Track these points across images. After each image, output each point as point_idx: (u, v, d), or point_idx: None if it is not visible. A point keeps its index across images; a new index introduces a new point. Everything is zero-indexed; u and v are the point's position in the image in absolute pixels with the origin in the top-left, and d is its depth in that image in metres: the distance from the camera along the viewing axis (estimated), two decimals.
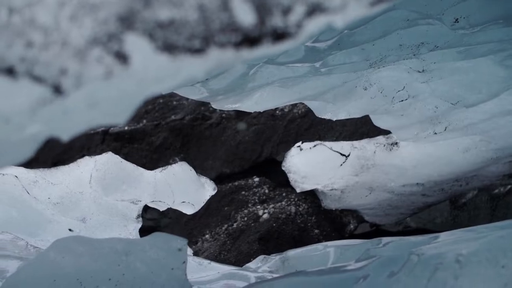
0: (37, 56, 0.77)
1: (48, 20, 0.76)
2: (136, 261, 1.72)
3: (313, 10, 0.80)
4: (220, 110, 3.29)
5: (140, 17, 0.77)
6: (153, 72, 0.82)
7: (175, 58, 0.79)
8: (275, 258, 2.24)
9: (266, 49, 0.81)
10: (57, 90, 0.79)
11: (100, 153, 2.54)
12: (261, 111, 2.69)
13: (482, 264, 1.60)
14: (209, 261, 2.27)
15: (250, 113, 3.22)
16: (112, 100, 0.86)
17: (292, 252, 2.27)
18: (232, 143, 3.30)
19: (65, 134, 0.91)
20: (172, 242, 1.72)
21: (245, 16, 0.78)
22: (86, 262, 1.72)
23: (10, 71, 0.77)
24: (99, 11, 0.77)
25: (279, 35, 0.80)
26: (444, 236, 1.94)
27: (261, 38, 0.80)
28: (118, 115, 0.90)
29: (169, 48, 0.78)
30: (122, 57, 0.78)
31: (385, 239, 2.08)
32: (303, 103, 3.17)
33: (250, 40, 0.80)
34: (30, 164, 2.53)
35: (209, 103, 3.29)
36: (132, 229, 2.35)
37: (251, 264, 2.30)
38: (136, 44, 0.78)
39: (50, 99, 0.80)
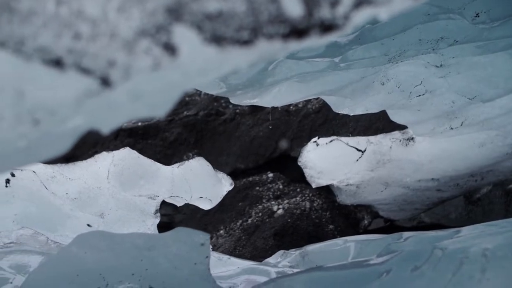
0: (85, 47, 0.77)
1: (96, 12, 0.76)
2: (159, 256, 1.72)
3: (360, 2, 0.80)
4: (233, 106, 3.29)
5: (188, 8, 0.77)
6: (199, 64, 0.82)
7: (222, 50, 0.79)
8: (294, 253, 2.24)
9: (314, 41, 0.81)
10: (105, 82, 0.79)
11: (113, 149, 2.54)
12: (279, 106, 2.69)
13: (508, 258, 1.60)
14: (228, 256, 2.28)
15: (264, 108, 3.22)
16: (155, 92, 0.86)
17: (311, 247, 2.27)
18: (246, 138, 3.30)
19: (106, 127, 0.91)
20: (195, 237, 1.72)
21: (293, 7, 0.78)
22: (109, 257, 1.72)
23: (57, 63, 0.77)
24: (147, 3, 0.77)
25: (327, 27, 0.80)
26: (466, 230, 1.94)
27: (308, 29, 0.80)
28: (159, 108, 0.90)
29: (217, 39, 0.78)
30: (170, 49, 0.78)
31: (406, 234, 2.08)
32: (317, 99, 3.17)
33: (297, 31, 0.80)
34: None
35: (222, 99, 3.30)
36: (151, 224, 2.35)
37: (271, 259, 2.30)
38: (184, 36, 0.78)
39: (97, 91, 0.80)
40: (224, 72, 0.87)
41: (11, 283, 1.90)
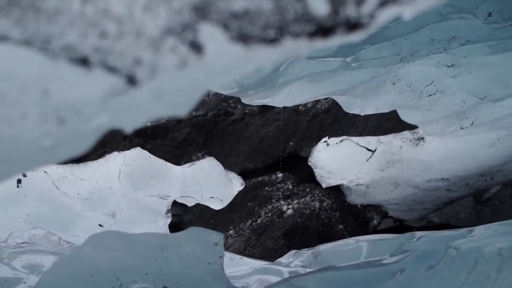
0: (111, 46, 0.77)
1: (122, 10, 0.76)
2: (173, 256, 1.72)
3: (386, 1, 0.80)
4: (242, 106, 3.29)
5: (214, 7, 0.77)
6: (225, 63, 0.82)
7: (248, 49, 0.79)
8: (307, 253, 2.24)
9: (339, 39, 0.81)
10: (131, 80, 0.79)
11: (122, 149, 2.54)
12: (290, 106, 2.69)
13: None
14: (240, 256, 2.28)
15: (273, 109, 3.22)
16: (177, 91, 0.86)
17: (323, 247, 2.27)
18: (255, 138, 3.30)
19: (128, 126, 0.91)
20: (208, 236, 1.72)
21: (319, 6, 0.78)
22: (122, 257, 1.72)
23: (83, 61, 0.77)
24: (174, 1, 0.77)
25: (352, 26, 0.80)
26: (479, 230, 1.94)
27: (334, 28, 0.80)
28: (181, 106, 0.90)
29: (243, 38, 0.78)
30: (196, 47, 0.78)
31: (418, 233, 2.08)
32: (326, 99, 3.17)
33: (323, 30, 0.80)
34: None
35: (231, 99, 3.30)
36: (162, 224, 2.35)
37: (283, 259, 2.30)
38: (211, 34, 0.78)
39: (122, 90, 0.80)
40: (248, 71, 0.87)
41: (25, 283, 1.90)
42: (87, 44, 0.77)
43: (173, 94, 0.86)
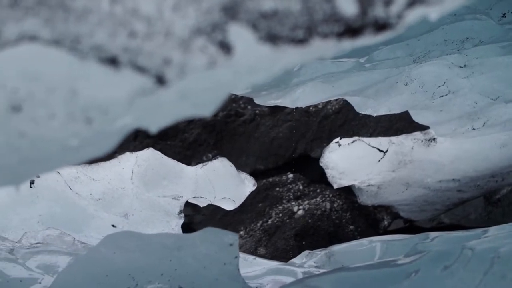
0: (140, 46, 0.77)
1: (151, 10, 0.76)
2: (188, 256, 1.72)
3: (414, 2, 0.80)
4: (252, 107, 3.29)
5: (244, 7, 0.77)
6: (253, 63, 0.82)
7: (277, 49, 0.79)
8: (320, 254, 2.24)
9: (367, 40, 0.81)
10: (160, 80, 0.79)
11: (133, 150, 2.55)
12: (303, 106, 2.69)
13: None
14: (254, 257, 2.28)
15: (283, 109, 3.22)
16: (204, 91, 0.86)
17: (337, 247, 2.27)
18: (266, 139, 3.30)
19: (153, 126, 0.91)
20: (223, 237, 1.72)
21: (348, 6, 0.78)
22: (138, 257, 1.72)
23: (113, 61, 0.77)
24: (203, 1, 0.77)
25: (380, 26, 0.80)
26: (494, 230, 1.93)
27: (362, 28, 0.80)
28: (206, 107, 0.90)
29: (272, 38, 0.79)
30: (225, 47, 0.78)
31: (432, 234, 2.08)
32: (337, 99, 3.17)
33: (351, 30, 0.80)
34: None
35: (241, 99, 3.30)
36: (175, 225, 2.35)
37: (296, 260, 2.30)
38: (240, 35, 0.78)
39: (151, 90, 0.80)
40: (274, 72, 0.87)
41: (40, 283, 1.91)
42: (116, 44, 0.77)
43: (199, 94, 0.86)
